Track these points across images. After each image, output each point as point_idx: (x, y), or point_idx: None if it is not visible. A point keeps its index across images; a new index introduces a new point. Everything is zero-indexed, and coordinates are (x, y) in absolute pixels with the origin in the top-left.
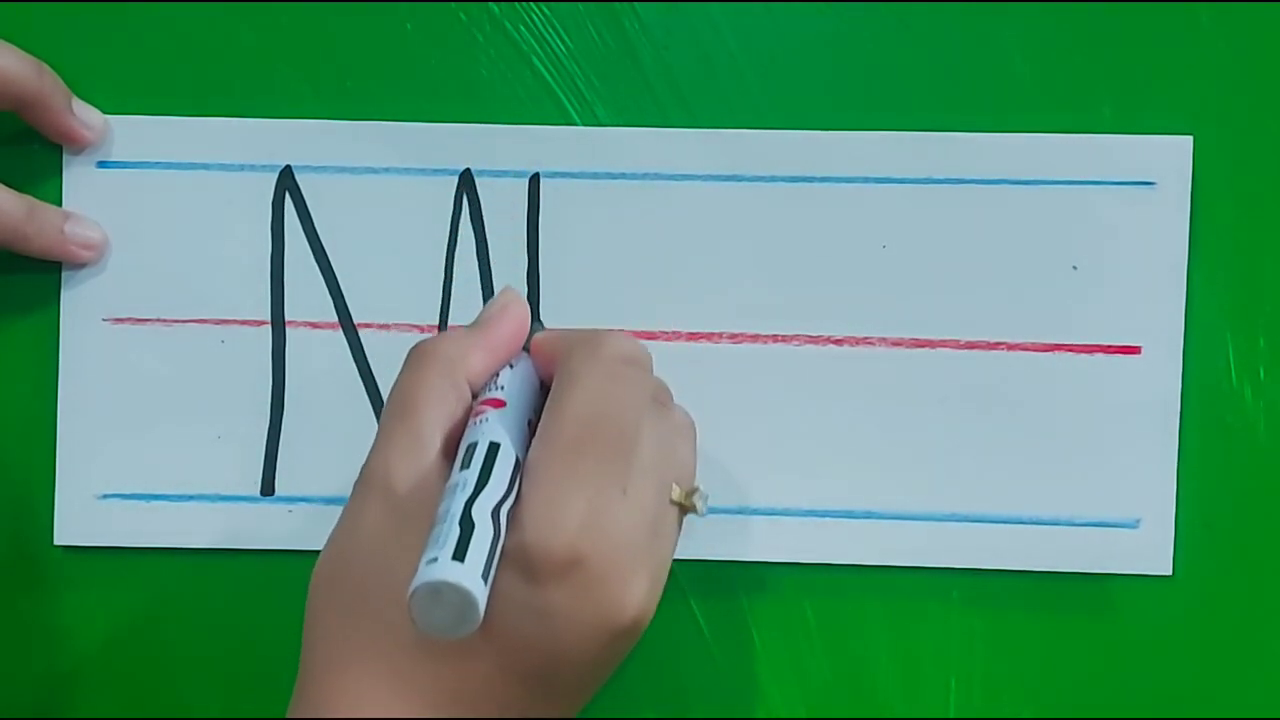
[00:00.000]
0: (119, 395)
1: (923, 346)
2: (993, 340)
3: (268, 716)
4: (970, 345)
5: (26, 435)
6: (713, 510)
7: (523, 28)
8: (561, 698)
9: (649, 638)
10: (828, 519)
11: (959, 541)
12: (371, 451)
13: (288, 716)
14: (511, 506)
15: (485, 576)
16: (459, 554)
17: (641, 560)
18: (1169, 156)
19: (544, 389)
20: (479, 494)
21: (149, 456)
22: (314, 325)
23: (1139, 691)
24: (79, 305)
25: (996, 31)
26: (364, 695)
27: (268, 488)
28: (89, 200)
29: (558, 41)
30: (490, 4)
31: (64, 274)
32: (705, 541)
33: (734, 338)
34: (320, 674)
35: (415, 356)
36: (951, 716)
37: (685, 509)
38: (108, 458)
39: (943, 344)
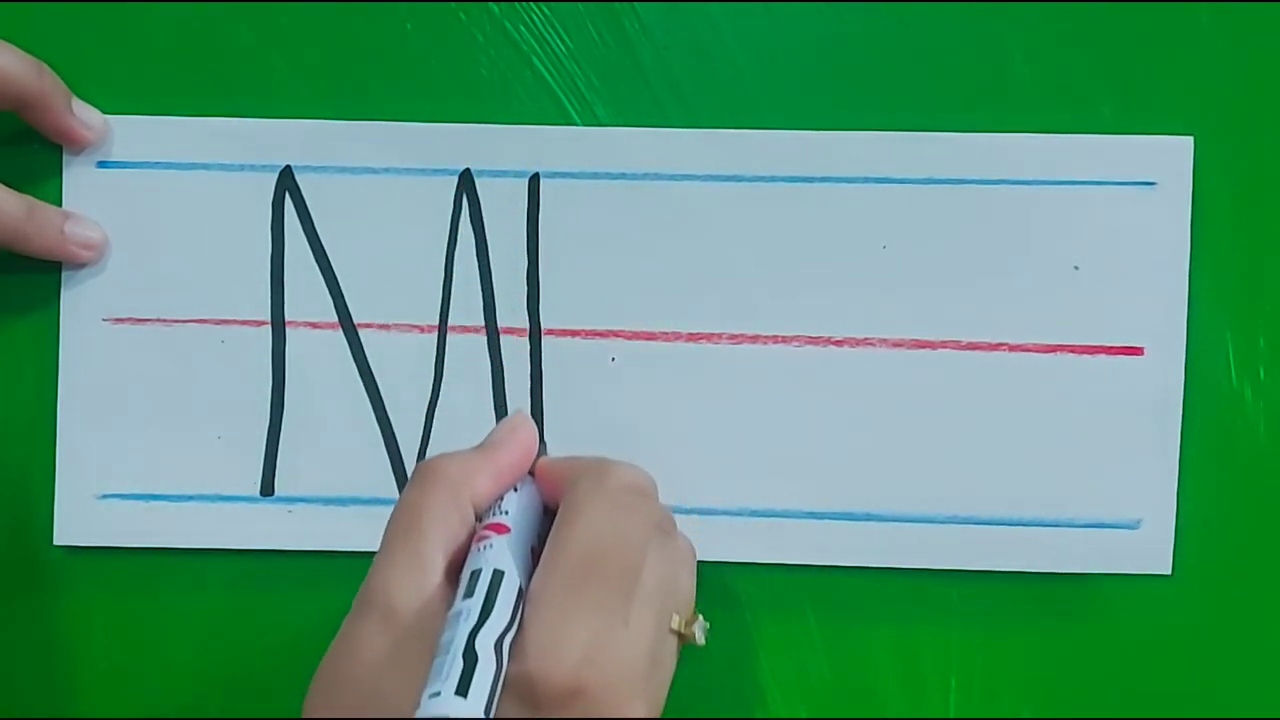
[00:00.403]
0: (119, 395)
1: (923, 347)
2: (993, 341)
3: (268, 716)
4: (971, 346)
5: (26, 435)
6: (713, 511)
7: (523, 28)
8: None
9: None
10: (828, 520)
11: (959, 542)
12: (372, 570)
13: None
14: (514, 636)
15: (488, 711)
16: (462, 689)
17: (640, 689)
18: (1169, 156)
19: (548, 514)
20: (483, 625)
21: (149, 456)
22: (314, 325)
23: (1139, 691)
24: (79, 305)
25: (996, 31)
26: None
27: (267, 488)
28: (89, 200)
29: (558, 41)
30: (490, 4)
31: (64, 274)
32: (705, 542)
33: (734, 338)
34: None
35: (421, 475)
36: (951, 716)
37: (684, 638)
38: (108, 458)
39: (943, 344)
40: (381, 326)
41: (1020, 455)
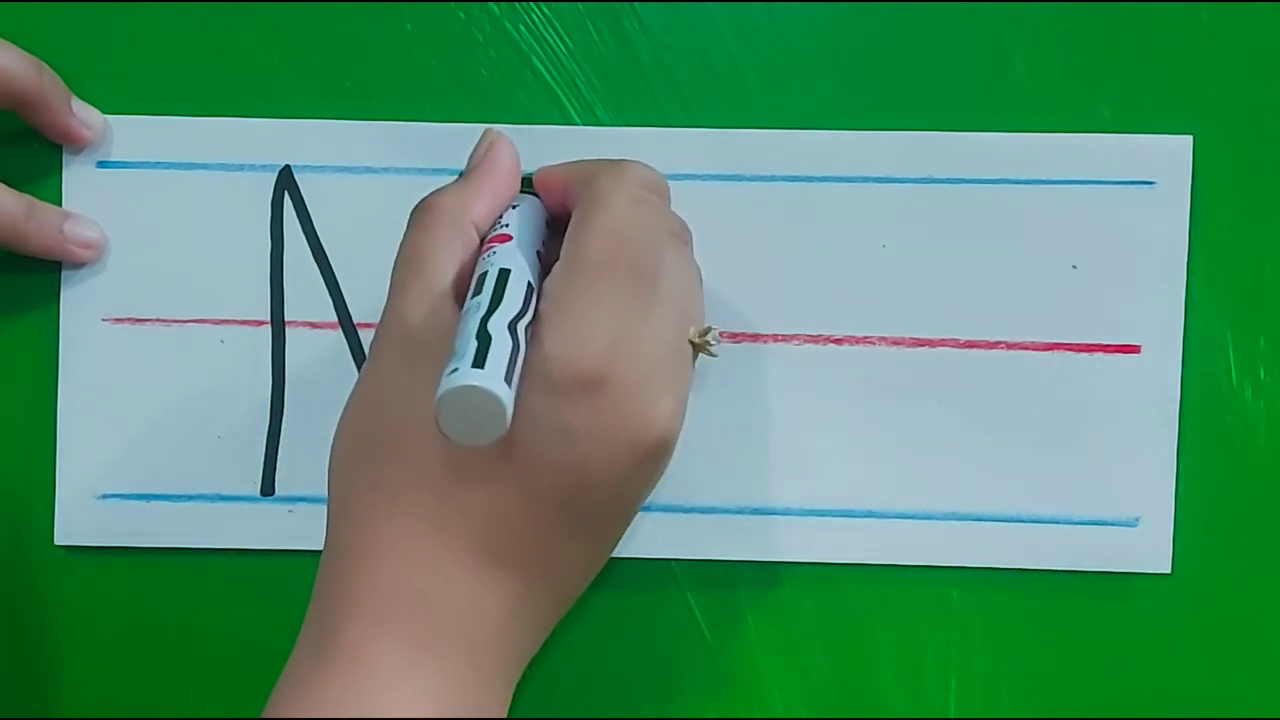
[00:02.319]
0: (119, 395)
1: (923, 346)
2: (993, 340)
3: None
4: (970, 345)
5: (26, 435)
6: (713, 510)
7: (523, 28)
8: (595, 527)
9: (649, 638)
10: (828, 519)
11: (959, 540)
12: (385, 309)
13: (321, 569)
14: (530, 325)
15: (508, 381)
16: (479, 362)
17: (666, 381)
18: (1169, 156)
19: (552, 224)
20: (493, 312)
21: (149, 456)
22: (314, 325)
23: (1138, 690)
24: (79, 305)
25: (996, 31)
26: (395, 537)
27: (268, 488)
28: (89, 200)
29: (558, 41)
30: (490, 4)
31: (64, 274)
32: (705, 541)
33: (734, 338)
34: (349, 522)
35: (418, 214)
36: (951, 716)
37: (699, 349)
38: (108, 458)
39: (943, 344)
40: None
41: (1019, 453)
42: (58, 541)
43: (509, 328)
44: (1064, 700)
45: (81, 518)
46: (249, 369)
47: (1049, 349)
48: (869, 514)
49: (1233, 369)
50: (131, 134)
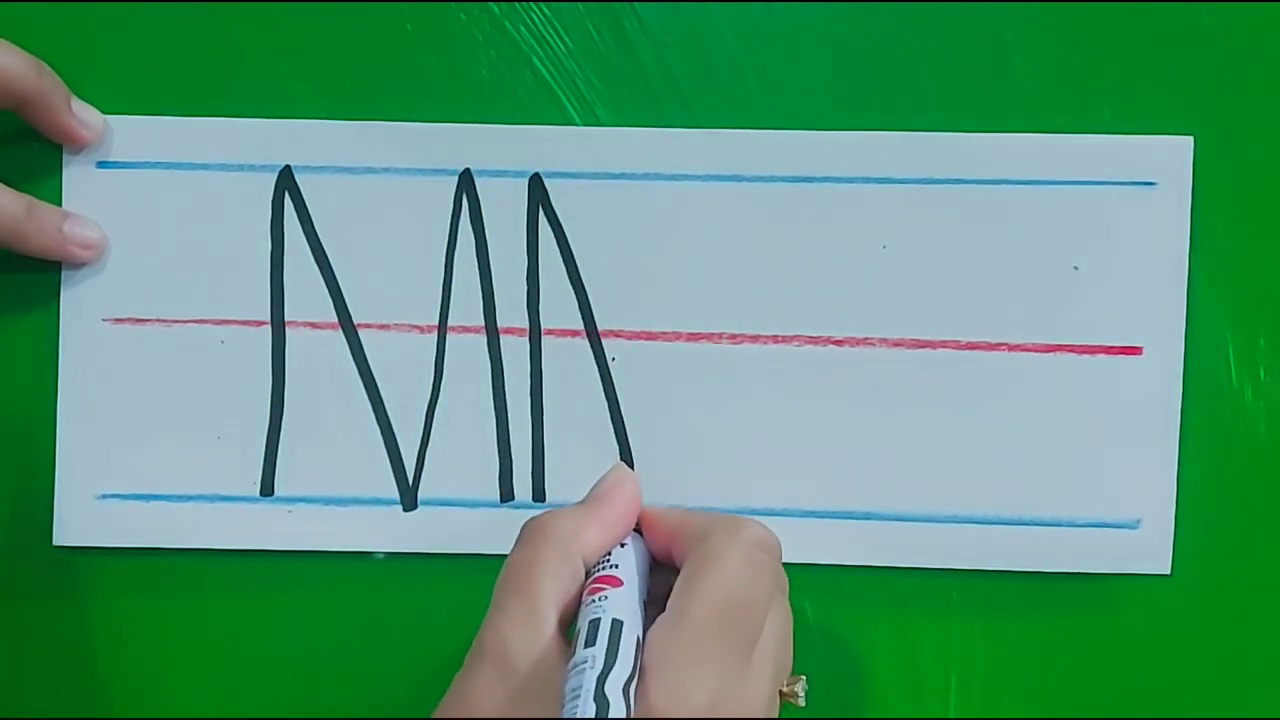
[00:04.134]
0: (119, 395)
1: (923, 346)
2: (993, 340)
3: (267, 716)
4: (970, 345)
5: (26, 435)
6: (713, 510)
7: (523, 28)
8: None
9: None
10: (828, 519)
11: (959, 542)
12: (485, 624)
13: None
14: (636, 685)
15: None
16: None
17: None
18: (1169, 156)
19: (654, 568)
20: (609, 671)
21: (149, 456)
22: (314, 325)
23: (1138, 691)
24: (79, 305)
25: (996, 31)
26: None
27: (267, 488)
28: (89, 200)
29: (558, 41)
30: (490, 4)
31: (64, 274)
32: None
33: (734, 338)
34: None
35: (529, 531)
36: (951, 716)
37: (786, 698)
38: (108, 458)
39: (943, 344)
40: (381, 326)
41: (1020, 455)
42: (57, 542)
43: (623, 692)
44: (1064, 701)
45: (81, 518)
46: (249, 369)
47: (1050, 350)
48: (869, 514)
49: (1233, 369)
50: (131, 134)
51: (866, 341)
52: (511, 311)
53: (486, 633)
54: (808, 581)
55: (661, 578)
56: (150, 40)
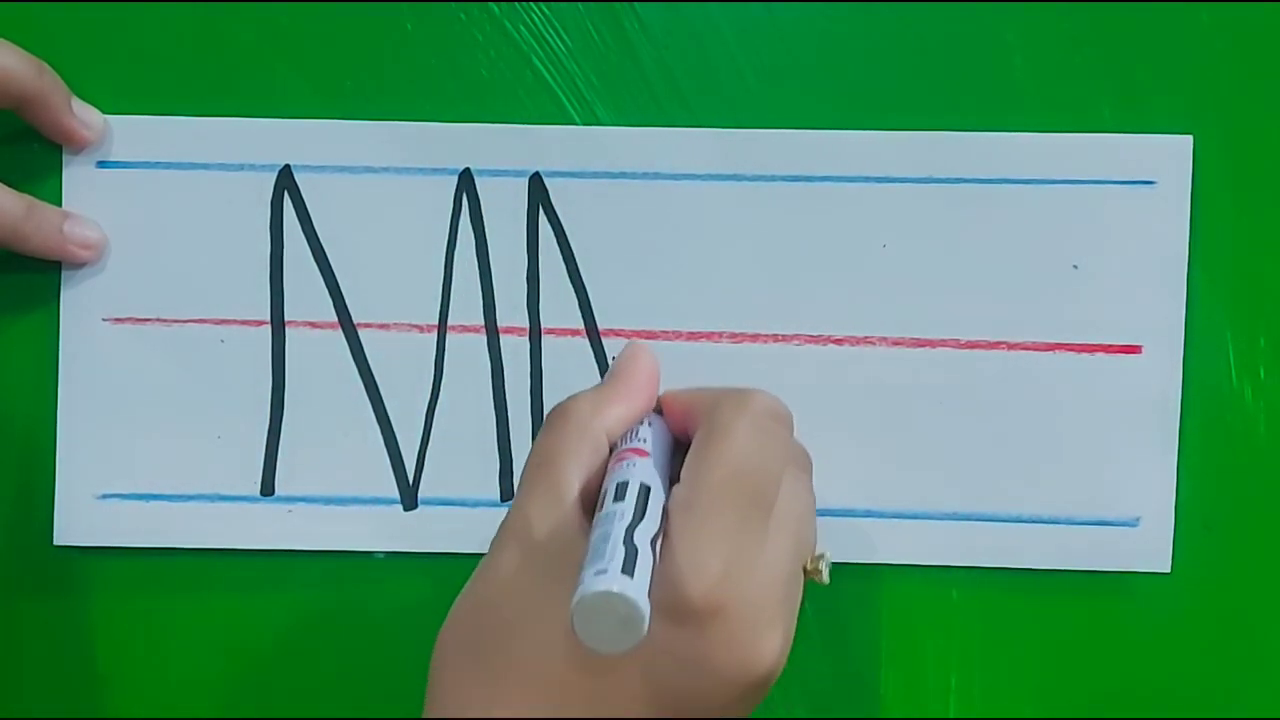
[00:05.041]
0: (119, 395)
1: (923, 346)
2: (993, 340)
3: (267, 717)
4: (970, 345)
5: (26, 435)
6: None
7: (523, 28)
8: None
9: None
10: (828, 519)
11: (959, 540)
12: (511, 506)
13: None
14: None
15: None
16: (627, 569)
17: (777, 613)
18: (1169, 156)
19: (677, 448)
20: (637, 524)
21: (149, 456)
22: (314, 325)
23: (1138, 690)
24: (79, 305)
25: (996, 31)
26: None
27: (267, 488)
28: (89, 200)
29: (558, 41)
30: (490, 4)
31: (64, 274)
32: None
33: (734, 338)
34: (451, 714)
35: (551, 416)
36: (951, 716)
37: (810, 575)
38: (108, 458)
39: (943, 344)
40: (381, 326)
41: (1019, 453)
42: (57, 541)
43: (651, 543)
44: (1064, 700)
45: (81, 518)
46: (249, 369)
47: (1049, 349)
48: (868, 514)
49: (1233, 369)
50: (131, 134)
51: (866, 341)
52: (511, 311)
53: (511, 513)
54: (808, 580)
55: (684, 460)
56: (150, 40)
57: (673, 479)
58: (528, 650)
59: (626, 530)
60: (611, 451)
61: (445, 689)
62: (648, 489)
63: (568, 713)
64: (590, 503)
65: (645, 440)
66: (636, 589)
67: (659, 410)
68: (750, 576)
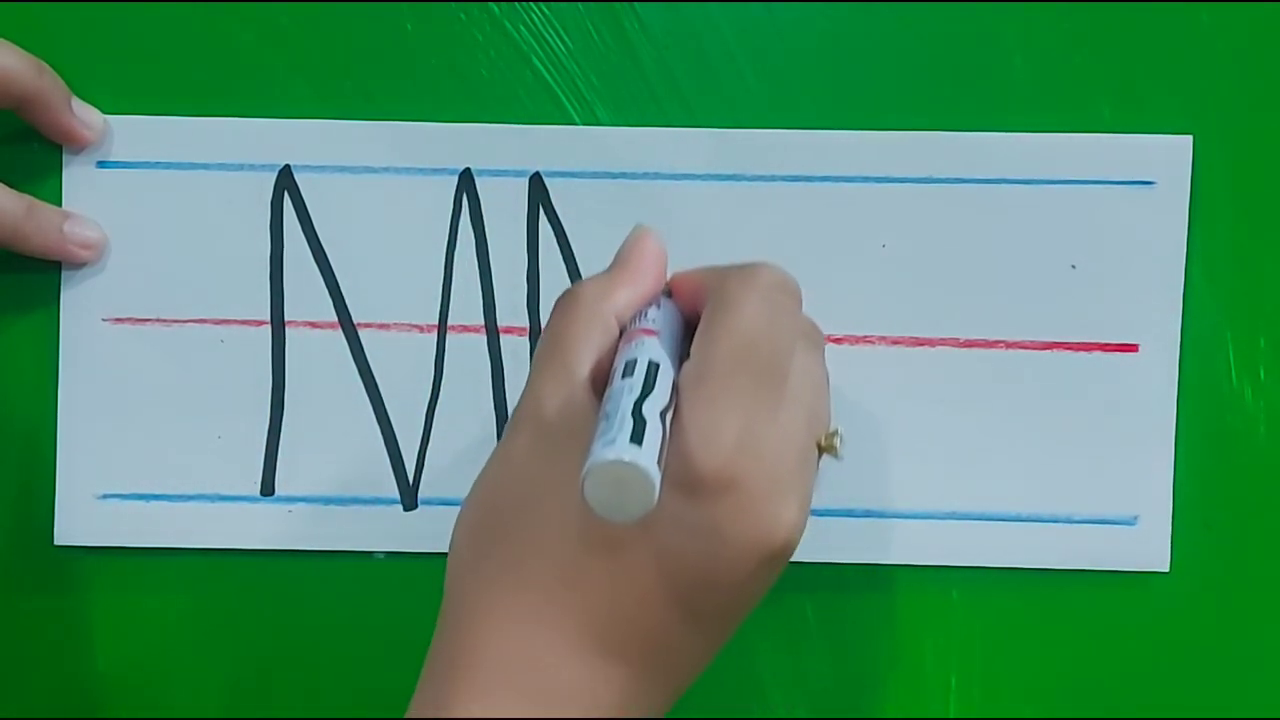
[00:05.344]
0: (119, 395)
1: (921, 344)
2: (992, 339)
3: (267, 716)
4: (970, 344)
5: (26, 435)
6: None
7: (523, 28)
8: (711, 624)
9: None
10: (828, 518)
11: (958, 540)
12: (523, 391)
13: (434, 645)
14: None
15: (660, 466)
16: (636, 439)
17: (792, 484)
18: (1169, 156)
19: (687, 331)
20: (646, 397)
21: (149, 456)
22: (314, 325)
23: (1137, 689)
24: (79, 305)
25: (996, 31)
26: (514, 616)
27: (268, 488)
28: (89, 200)
29: (558, 41)
30: (490, 4)
31: (64, 274)
32: None
33: None
34: (469, 601)
35: (561, 303)
36: (951, 716)
37: (825, 450)
38: (108, 458)
39: (942, 343)
40: (381, 326)
41: (1018, 452)
42: (57, 541)
43: (660, 416)
44: (1063, 699)
45: (81, 518)
46: (249, 369)
47: (1048, 348)
48: (868, 514)
49: (1232, 369)
50: (131, 134)
51: (866, 340)
52: (511, 311)
53: (523, 398)
54: (808, 581)
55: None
56: (150, 40)
57: (684, 359)
58: (542, 529)
59: (635, 403)
60: (622, 334)
61: (462, 572)
62: (656, 365)
63: (584, 591)
64: (601, 385)
65: (654, 321)
66: (645, 457)
67: (669, 293)
68: (763, 448)
